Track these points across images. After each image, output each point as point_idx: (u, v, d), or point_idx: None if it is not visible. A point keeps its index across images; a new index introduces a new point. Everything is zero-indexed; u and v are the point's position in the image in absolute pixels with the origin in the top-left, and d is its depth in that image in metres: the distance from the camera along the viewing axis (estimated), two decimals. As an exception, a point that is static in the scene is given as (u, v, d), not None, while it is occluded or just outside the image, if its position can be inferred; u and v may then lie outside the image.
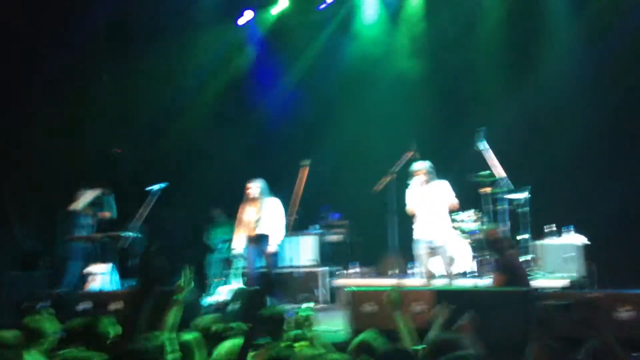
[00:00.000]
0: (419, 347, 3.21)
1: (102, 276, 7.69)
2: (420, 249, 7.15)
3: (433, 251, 7.09)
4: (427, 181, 7.09)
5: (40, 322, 3.74)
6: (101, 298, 6.46)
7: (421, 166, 7.15)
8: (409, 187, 7.17)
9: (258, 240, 7.67)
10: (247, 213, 7.78)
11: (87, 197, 7.99)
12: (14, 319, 5.59)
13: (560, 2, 9.04)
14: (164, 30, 9.41)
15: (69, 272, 7.76)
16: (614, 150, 8.58)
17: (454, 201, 7.12)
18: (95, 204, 8.07)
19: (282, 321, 4.02)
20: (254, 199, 7.73)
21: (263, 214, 7.68)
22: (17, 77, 8.59)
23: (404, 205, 7.47)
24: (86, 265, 7.78)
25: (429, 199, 7.10)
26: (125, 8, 9.16)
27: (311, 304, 5.38)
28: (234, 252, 7.80)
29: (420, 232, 7.15)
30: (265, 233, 7.70)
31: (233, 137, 10.40)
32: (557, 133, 8.96)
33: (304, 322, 4.26)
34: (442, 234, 7.09)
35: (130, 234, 7.80)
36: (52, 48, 8.67)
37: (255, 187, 7.75)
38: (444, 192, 7.12)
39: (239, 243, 7.81)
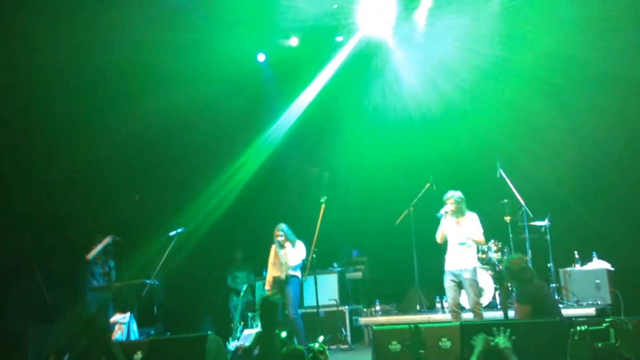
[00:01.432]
0: None
1: (122, 325, 7.64)
2: (446, 281, 7.04)
3: (460, 283, 6.98)
4: (457, 210, 7.03)
5: None
6: (125, 348, 6.37)
7: (452, 195, 7.09)
8: (438, 214, 7.08)
9: (290, 282, 7.80)
10: (277, 256, 7.96)
11: (98, 246, 8.04)
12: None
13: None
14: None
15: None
16: (633, 176, 8.47)
17: (481, 237, 7.04)
18: (107, 252, 8.10)
19: (302, 358, 3.97)
20: (281, 243, 7.91)
21: (291, 256, 7.83)
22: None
23: (423, 238, 7.40)
24: (101, 314, 7.74)
25: (458, 230, 7.04)
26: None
27: (322, 338, 5.28)
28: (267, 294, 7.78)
29: (448, 263, 7.06)
30: (295, 275, 7.88)
31: (241, 174, 10.41)
32: (574, 160, 8.89)
33: (320, 356, 4.21)
34: (470, 266, 6.98)
35: (149, 281, 7.76)
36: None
37: (281, 231, 7.91)
38: (473, 224, 7.05)
39: (270, 285, 7.95)
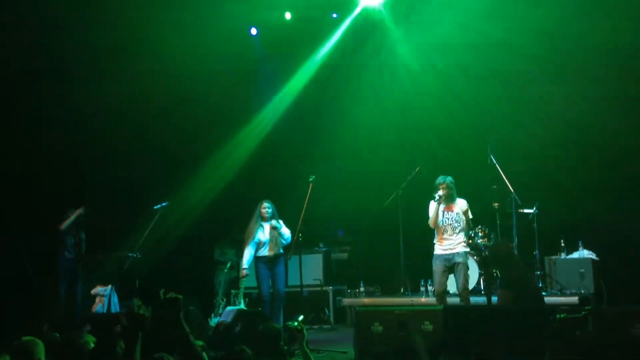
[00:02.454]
0: None
1: (103, 298, 7.59)
2: (437, 266, 7.03)
3: (450, 268, 6.98)
4: (449, 196, 7.02)
5: (31, 345, 3.62)
6: (105, 320, 6.33)
7: (443, 180, 7.06)
8: (435, 200, 7.04)
9: (275, 260, 7.64)
10: (262, 233, 7.72)
11: (70, 217, 7.95)
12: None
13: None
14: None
15: (60, 293, 7.71)
16: (622, 167, 8.44)
17: (470, 222, 7.09)
18: (78, 224, 8.00)
19: (279, 337, 3.94)
20: (265, 219, 7.71)
21: (278, 234, 7.64)
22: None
23: (411, 221, 7.37)
24: (70, 285, 7.72)
25: (449, 215, 7.04)
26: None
27: (301, 317, 5.25)
28: (244, 272, 7.67)
29: (439, 248, 7.06)
30: (280, 253, 7.72)
31: (235, 151, 10.30)
32: (565, 149, 8.86)
33: (297, 334, 4.18)
34: (462, 250, 6.99)
35: (131, 254, 7.68)
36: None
37: (268, 208, 7.74)
38: (464, 210, 7.05)
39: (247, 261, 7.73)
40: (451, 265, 6.96)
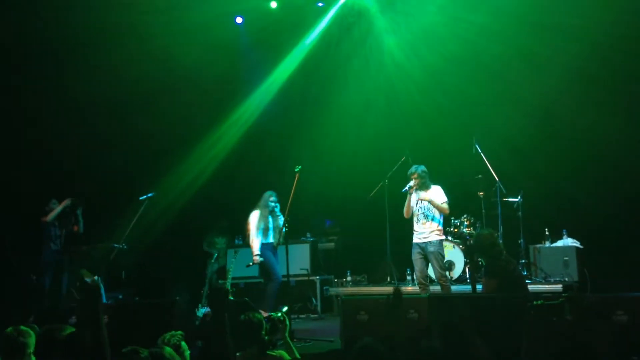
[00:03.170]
0: None
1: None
2: (414, 254, 7.12)
3: (427, 256, 7.04)
4: (421, 185, 7.06)
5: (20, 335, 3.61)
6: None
7: (415, 170, 7.14)
8: (404, 190, 7.14)
9: (277, 248, 7.85)
10: (269, 222, 7.88)
11: (56, 208, 7.94)
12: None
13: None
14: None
15: (45, 285, 7.71)
16: (606, 155, 8.51)
17: (445, 207, 7.10)
18: (64, 216, 7.97)
19: (260, 327, 3.96)
20: (273, 209, 7.89)
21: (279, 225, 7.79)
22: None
23: (398, 211, 7.40)
24: (56, 277, 7.70)
25: (422, 203, 7.09)
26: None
27: (285, 308, 5.28)
28: (257, 259, 7.76)
29: (415, 236, 7.12)
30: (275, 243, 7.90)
31: (222, 140, 10.26)
32: (548, 137, 8.90)
33: (279, 325, 4.22)
34: (435, 239, 7.04)
35: (117, 245, 7.66)
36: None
37: (275, 198, 7.92)
38: (437, 197, 7.09)
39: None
40: (425, 253, 7.04)
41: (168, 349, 3.25)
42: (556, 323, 2.75)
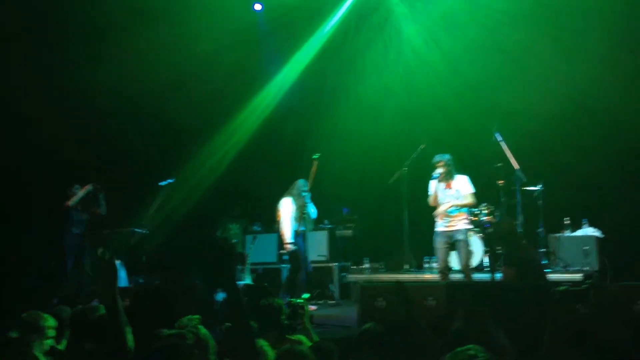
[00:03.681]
0: None
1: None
2: (438, 243, 7.07)
3: (452, 245, 7.02)
4: (447, 174, 7.03)
5: (39, 318, 3.68)
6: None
7: (441, 158, 7.08)
8: (432, 178, 7.10)
9: (306, 235, 7.90)
10: (300, 209, 7.86)
11: (79, 193, 8.04)
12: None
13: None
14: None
15: (67, 269, 7.86)
16: (629, 144, 8.38)
17: (471, 198, 7.06)
18: (87, 200, 8.08)
19: (280, 312, 4.00)
20: (303, 197, 7.85)
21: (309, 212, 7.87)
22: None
23: (416, 198, 7.38)
24: (78, 260, 7.84)
25: (449, 192, 7.05)
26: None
27: (307, 296, 5.32)
28: (290, 247, 7.80)
29: (440, 225, 7.08)
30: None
31: (238, 129, 10.29)
32: (570, 126, 8.79)
33: (299, 310, 4.26)
34: (463, 227, 7.01)
35: (139, 230, 7.76)
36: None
37: (305, 186, 7.90)
38: (463, 187, 7.05)
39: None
40: (452, 242, 7.00)
41: (203, 331, 3.31)
42: (577, 312, 2.75)
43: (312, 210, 7.93)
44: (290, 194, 7.86)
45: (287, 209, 7.82)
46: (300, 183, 7.89)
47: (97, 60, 8.71)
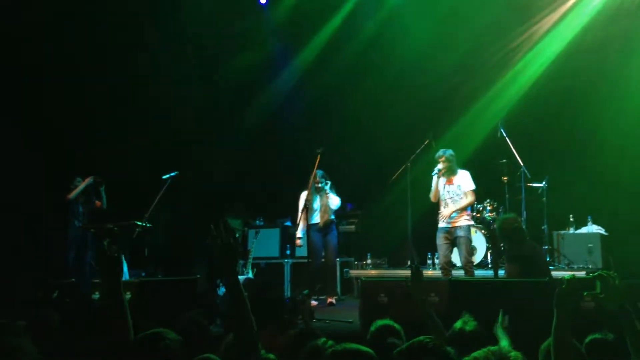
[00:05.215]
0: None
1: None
2: (440, 239, 7.05)
3: (453, 241, 6.99)
4: (449, 169, 6.98)
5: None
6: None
7: (442, 153, 7.05)
8: (433, 173, 7.07)
9: (326, 229, 7.74)
10: (314, 201, 7.79)
11: (79, 186, 8.06)
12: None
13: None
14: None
15: (68, 261, 7.85)
16: (634, 141, 8.33)
17: (472, 195, 7.03)
18: (87, 192, 8.08)
19: (281, 307, 3.99)
20: (318, 189, 7.75)
21: (333, 199, 7.74)
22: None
23: (419, 194, 7.34)
24: (78, 254, 7.83)
25: (450, 188, 7.02)
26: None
27: (307, 291, 5.30)
28: (299, 242, 7.78)
29: (441, 221, 7.06)
30: (331, 220, 7.81)
31: (242, 124, 10.28)
32: (576, 123, 8.74)
33: (300, 306, 4.24)
34: (464, 224, 6.98)
35: (140, 223, 7.73)
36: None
37: (321, 177, 7.77)
38: (465, 182, 7.02)
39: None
40: (453, 238, 6.97)
41: None
42: (586, 298, 2.74)
43: (334, 200, 7.76)
44: (309, 187, 7.76)
45: (301, 202, 7.77)
46: (319, 175, 7.79)
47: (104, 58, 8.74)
